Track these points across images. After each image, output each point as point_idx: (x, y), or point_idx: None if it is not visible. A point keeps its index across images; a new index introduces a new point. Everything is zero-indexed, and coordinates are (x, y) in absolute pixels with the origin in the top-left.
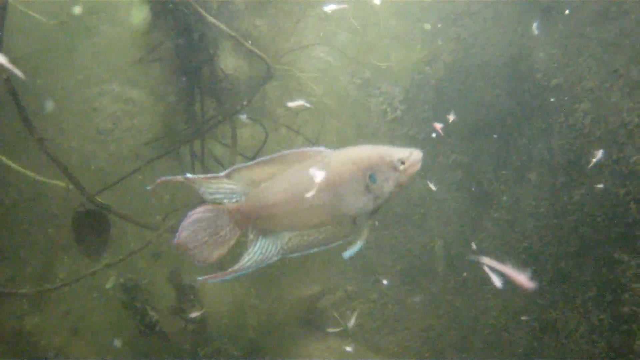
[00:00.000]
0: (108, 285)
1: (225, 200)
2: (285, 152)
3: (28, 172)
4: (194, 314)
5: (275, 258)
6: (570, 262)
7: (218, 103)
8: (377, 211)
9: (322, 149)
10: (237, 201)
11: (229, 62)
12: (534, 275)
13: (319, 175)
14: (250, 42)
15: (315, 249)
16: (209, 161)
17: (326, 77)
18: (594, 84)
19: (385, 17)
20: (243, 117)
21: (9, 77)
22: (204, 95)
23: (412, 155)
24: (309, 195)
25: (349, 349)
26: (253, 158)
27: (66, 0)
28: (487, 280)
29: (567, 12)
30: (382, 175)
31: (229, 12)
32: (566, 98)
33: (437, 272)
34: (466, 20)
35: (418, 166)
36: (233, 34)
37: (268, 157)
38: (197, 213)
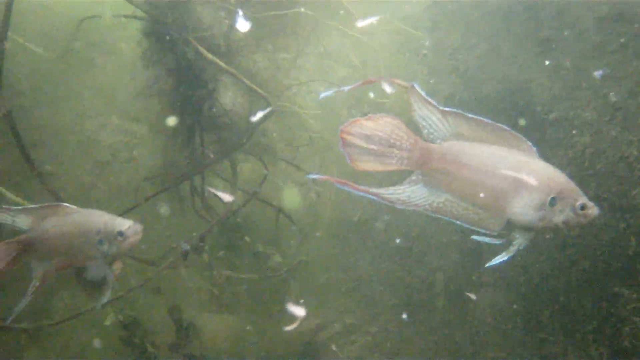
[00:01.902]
0: (107, 322)
1: (425, 131)
2: (503, 126)
3: (28, 205)
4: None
5: (419, 209)
6: (569, 296)
7: (218, 138)
8: (534, 233)
9: (530, 144)
10: (431, 138)
11: (229, 98)
12: (534, 310)
13: (521, 166)
14: (250, 77)
15: (459, 222)
16: (209, 197)
17: (325, 112)
18: (592, 117)
19: (384, 54)
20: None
21: (10, 111)
22: (204, 131)
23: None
24: (501, 173)
25: None
26: (254, 194)
27: (65, 34)
28: (487, 315)
29: (565, 45)
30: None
31: (228, 48)
32: (565, 131)
33: (437, 305)
34: (462, 54)
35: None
36: (232, 70)
37: (488, 121)
38: (390, 119)
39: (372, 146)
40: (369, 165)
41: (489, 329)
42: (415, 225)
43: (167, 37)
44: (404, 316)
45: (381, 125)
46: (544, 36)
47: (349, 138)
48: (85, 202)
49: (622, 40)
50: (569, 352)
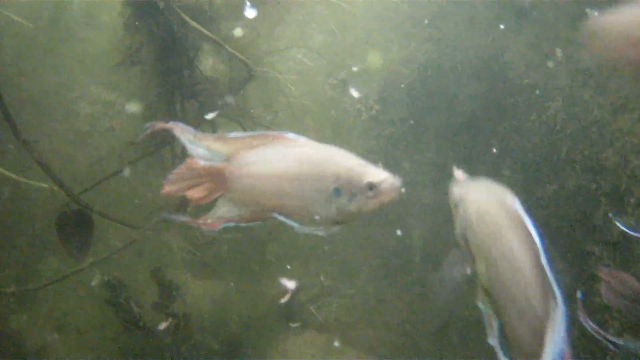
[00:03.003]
0: (93, 283)
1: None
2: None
3: (10, 175)
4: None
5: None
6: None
7: (198, 104)
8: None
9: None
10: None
11: (209, 65)
12: None
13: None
14: (230, 45)
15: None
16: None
17: (303, 78)
18: (565, 83)
19: (362, 21)
20: (209, 115)
21: None
22: (184, 97)
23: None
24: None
25: (337, 344)
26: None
27: (49, 5)
28: (462, 274)
29: (538, 13)
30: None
31: (209, 16)
32: (538, 97)
33: (413, 265)
34: (439, 22)
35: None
36: (214, 37)
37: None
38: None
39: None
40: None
41: (464, 288)
42: None
43: (149, 4)
44: (381, 277)
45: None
46: (519, 5)
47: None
48: (65, 173)
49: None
50: None
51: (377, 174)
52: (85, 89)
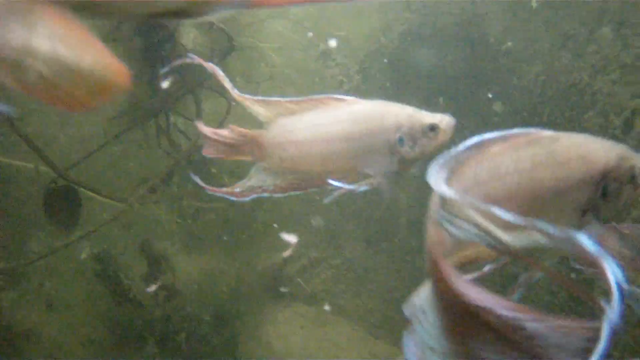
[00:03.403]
0: (83, 256)
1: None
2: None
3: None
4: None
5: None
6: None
7: (181, 77)
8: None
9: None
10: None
11: (191, 37)
12: None
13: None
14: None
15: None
16: (174, 134)
17: (284, 49)
18: (544, 47)
19: None
20: (164, 84)
21: None
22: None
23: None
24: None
25: (327, 307)
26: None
27: None
28: None
29: None
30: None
31: None
32: (518, 61)
33: (399, 233)
34: None
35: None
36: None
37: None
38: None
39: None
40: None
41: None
42: None
43: None
44: (367, 246)
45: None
46: None
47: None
48: (48, 153)
49: None
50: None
51: (434, 116)
52: None
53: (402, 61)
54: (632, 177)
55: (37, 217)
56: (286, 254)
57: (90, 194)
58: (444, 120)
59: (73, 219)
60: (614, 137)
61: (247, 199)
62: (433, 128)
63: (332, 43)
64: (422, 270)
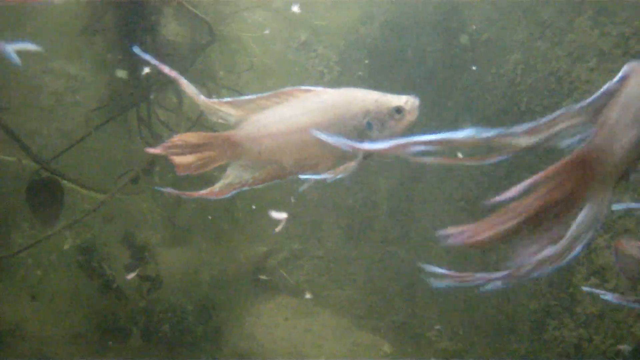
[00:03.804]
0: (66, 246)
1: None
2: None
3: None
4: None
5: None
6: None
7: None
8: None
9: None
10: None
11: (171, 29)
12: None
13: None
14: (192, 6)
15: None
16: (156, 125)
17: (265, 39)
18: (523, 36)
19: None
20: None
21: None
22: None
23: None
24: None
25: (308, 296)
26: (197, 120)
27: None
28: (429, 229)
29: None
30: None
31: None
32: (497, 50)
33: (380, 223)
34: None
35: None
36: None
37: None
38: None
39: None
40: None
41: (431, 243)
42: None
43: None
44: (349, 237)
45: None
46: None
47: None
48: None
49: None
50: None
51: (399, 98)
52: (49, 63)
53: (382, 51)
54: (392, 114)
55: (21, 209)
56: (278, 229)
57: (73, 186)
58: (409, 102)
59: (56, 211)
60: None
61: (227, 195)
62: (399, 110)
63: (313, 34)
64: (405, 261)
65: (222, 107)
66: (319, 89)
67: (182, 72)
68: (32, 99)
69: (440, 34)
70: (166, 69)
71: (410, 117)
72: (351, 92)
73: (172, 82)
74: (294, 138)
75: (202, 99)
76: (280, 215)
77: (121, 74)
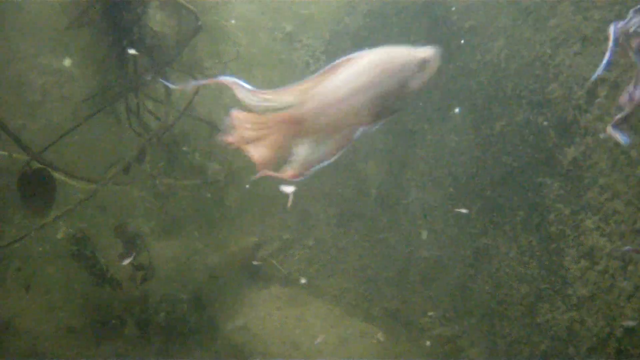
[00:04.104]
0: (59, 236)
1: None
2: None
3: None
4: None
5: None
6: (496, 191)
7: (149, 60)
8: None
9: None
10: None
11: (157, 20)
12: (463, 207)
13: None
14: None
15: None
16: (145, 115)
17: (251, 29)
18: (506, 23)
19: None
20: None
21: None
22: (135, 54)
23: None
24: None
25: (303, 281)
26: (185, 109)
27: None
28: (419, 216)
29: None
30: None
31: None
32: (481, 37)
33: (369, 212)
34: None
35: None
36: None
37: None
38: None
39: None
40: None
41: (421, 230)
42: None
43: None
44: (338, 226)
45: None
46: None
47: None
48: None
49: None
50: (499, 244)
51: (422, 51)
52: (35, 59)
53: (367, 40)
54: (421, 65)
55: (12, 202)
56: (289, 204)
57: (63, 177)
58: (431, 53)
59: (48, 202)
60: (578, 108)
61: (305, 175)
62: (426, 61)
63: (298, 24)
64: (395, 248)
65: (283, 97)
66: (359, 53)
67: (169, 63)
68: (18, 95)
69: (424, 23)
70: (220, 79)
71: (434, 66)
72: (388, 51)
73: (159, 72)
74: (354, 101)
75: (260, 95)
76: (288, 189)
77: (109, 65)
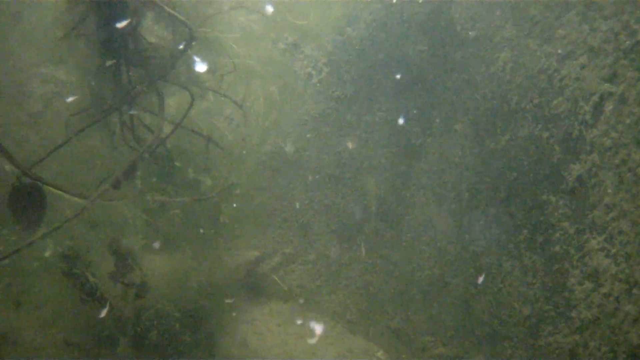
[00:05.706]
0: (46, 254)
1: None
2: None
3: None
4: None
5: None
6: (500, 208)
7: (144, 72)
8: None
9: None
10: None
11: (152, 32)
12: (466, 225)
13: None
14: (173, 9)
15: None
16: (139, 129)
17: (249, 40)
18: (511, 33)
19: None
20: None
21: None
22: (130, 66)
23: None
24: None
25: (301, 301)
26: (179, 123)
27: None
28: (422, 233)
29: None
30: None
31: None
32: (486, 49)
33: (371, 227)
34: None
35: None
36: (158, 2)
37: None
38: None
39: None
40: None
41: (424, 247)
42: (345, 151)
43: None
44: (340, 241)
45: None
46: None
47: None
48: (18, 155)
49: None
50: (503, 262)
51: None
52: (35, 69)
53: (369, 52)
54: None
55: (2, 217)
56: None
57: (55, 191)
58: None
59: (38, 217)
60: (584, 123)
61: None
62: None
63: (299, 35)
64: (397, 265)
65: None
66: None
67: (164, 75)
68: (19, 105)
69: (428, 33)
70: None
71: None
72: None
73: (153, 86)
74: None
75: None
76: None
77: (102, 77)
